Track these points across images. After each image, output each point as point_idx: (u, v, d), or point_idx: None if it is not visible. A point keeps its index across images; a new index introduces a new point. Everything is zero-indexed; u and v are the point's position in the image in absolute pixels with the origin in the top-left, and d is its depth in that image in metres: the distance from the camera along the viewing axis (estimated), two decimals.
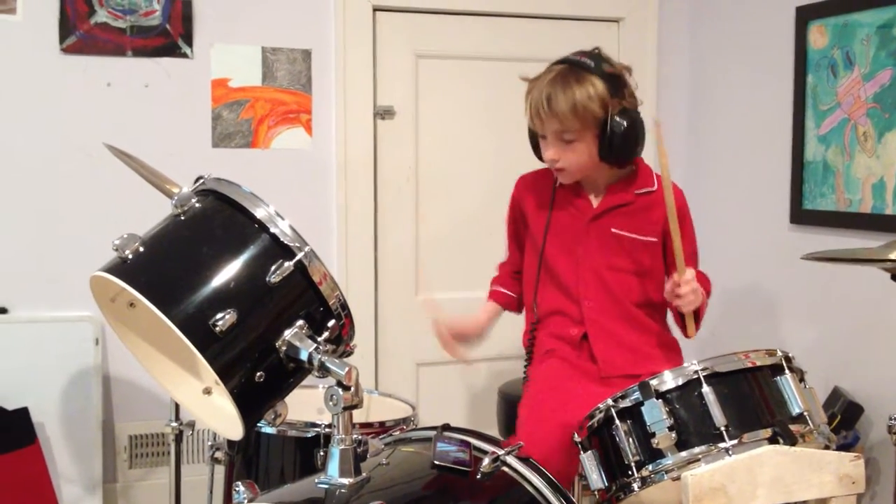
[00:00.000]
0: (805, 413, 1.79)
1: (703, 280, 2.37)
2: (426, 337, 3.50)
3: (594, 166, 2.29)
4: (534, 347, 2.41)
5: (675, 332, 2.41)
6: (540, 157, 2.40)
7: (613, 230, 2.31)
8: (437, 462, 1.60)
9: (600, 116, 2.21)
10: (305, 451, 2.16)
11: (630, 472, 1.79)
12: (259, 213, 1.54)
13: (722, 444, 1.72)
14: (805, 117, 3.14)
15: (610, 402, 1.83)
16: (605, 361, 2.29)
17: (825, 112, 3.06)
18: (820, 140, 3.09)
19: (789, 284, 3.25)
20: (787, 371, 1.82)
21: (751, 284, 3.43)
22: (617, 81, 2.25)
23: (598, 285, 2.31)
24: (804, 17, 3.12)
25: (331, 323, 1.57)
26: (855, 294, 2.94)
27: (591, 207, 2.33)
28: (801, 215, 3.17)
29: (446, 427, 1.78)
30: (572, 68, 2.25)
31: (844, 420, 2.81)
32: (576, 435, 1.90)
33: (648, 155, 2.40)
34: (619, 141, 2.23)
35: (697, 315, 2.28)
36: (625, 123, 2.22)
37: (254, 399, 1.52)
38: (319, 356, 1.49)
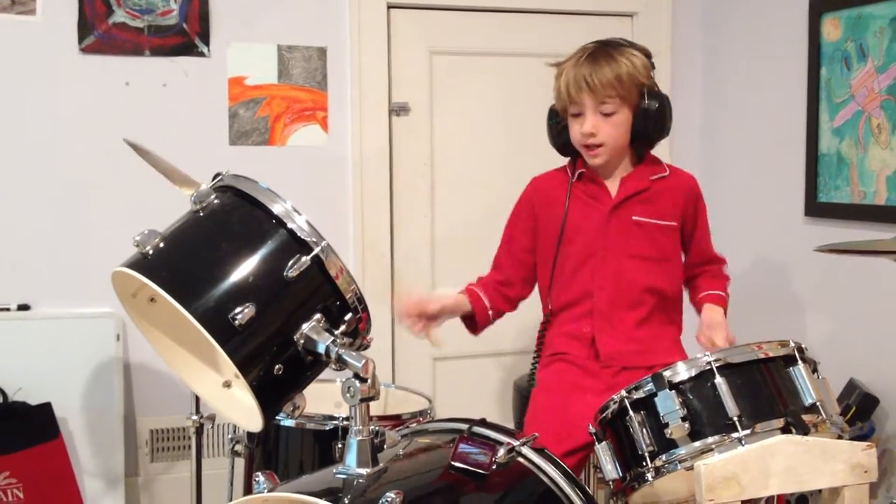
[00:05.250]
0: (818, 403, 1.79)
1: (720, 277, 2.44)
2: (443, 331, 3.53)
3: (624, 148, 2.30)
4: (543, 349, 2.42)
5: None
6: (559, 147, 2.39)
7: (634, 217, 2.31)
8: (454, 463, 1.61)
9: (640, 89, 2.24)
10: (324, 443, 2.18)
11: (644, 463, 1.80)
12: (276, 208, 1.56)
13: (735, 434, 1.73)
14: (819, 110, 3.14)
15: (623, 393, 1.84)
16: (607, 354, 2.30)
17: (839, 105, 3.06)
18: (834, 133, 3.09)
19: (804, 277, 3.26)
20: (799, 362, 1.82)
21: (766, 277, 3.43)
22: (651, 60, 2.30)
23: (614, 275, 2.31)
24: (817, 10, 3.13)
25: (348, 316, 1.59)
26: (870, 286, 2.95)
27: (610, 198, 2.33)
28: (816, 208, 3.17)
29: (476, 423, 1.78)
30: (609, 44, 2.28)
31: (860, 411, 2.82)
32: (590, 426, 1.92)
33: None
34: (655, 117, 2.25)
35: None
36: (659, 102, 2.26)
37: (273, 391, 1.55)
38: (337, 349, 1.52)
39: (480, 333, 2.49)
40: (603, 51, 2.26)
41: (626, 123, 2.26)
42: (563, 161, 2.44)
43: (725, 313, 2.36)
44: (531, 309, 2.55)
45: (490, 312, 2.43)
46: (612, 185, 2.35)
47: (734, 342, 2.21)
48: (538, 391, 2.38)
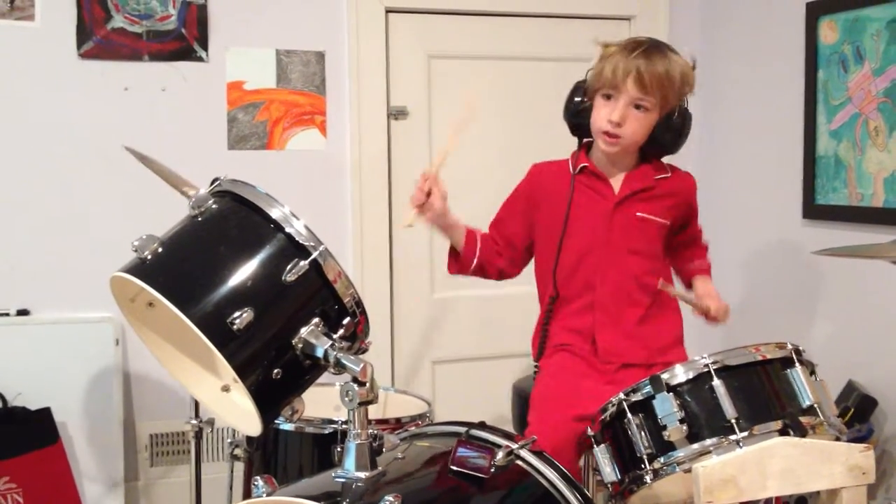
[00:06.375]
0: (815, 405, 1.80)
1: (701, 245, 2.51)
2: (442, 335, 3.54)
3: (637, 146, 2.31)
4: (546, 340, 2.42)
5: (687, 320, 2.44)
6: (573, 126, 2.38)
7: (638, 214, 2.33)
8: (453, 467, 1.61)
9: (679, 96, 2.26)
10: (323, 447, 2.19)
11: (642, 465, 1.81)
12: (274, 213, 1.57)
13: (732, 437, 1.74)
14: (816, 112, 3.15)
15: (622, 395, 1.85)
16: (606, 350, 2.31)
17: (836, 107, 3.07)
18: (831, 135, 3.10)
19: (802, 279, 3.26)
20: (797, 364, 1.83)
21: (764, 279, 3.44)
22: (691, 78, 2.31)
23: (616, 269, 2.32)
24: (815, 13, 3.13)
25: (346, 320, 1.59)
26: (867, 288, 2.95)
27: (614, 193, 2.33)
28: (814, 210, 3.18)
29: (474, 426, 1.78)
30: (665, 45, 2.29)
31: (858, 413, 2.82)
32: (589, 429, 1.93)
33: None
34: (675, 133, 2.29)
35: None
36: (685, 120, 2.30)
37: (271, 395, 1.55)
38: (335, 353, 1.52)
39: (456, 273, 2.47)
40: (659, 49, 2.26)
41: (650, 125, 2.27)
42: (563, 155, 2.44)
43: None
44: (529, 311, 2.55)
45: (476, 260, 2.41)
46: (615, 181, 2.35)
47: (727, 309, 2.29)
48: (542, 375, 2.38)
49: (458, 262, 2.44)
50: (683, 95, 2.28)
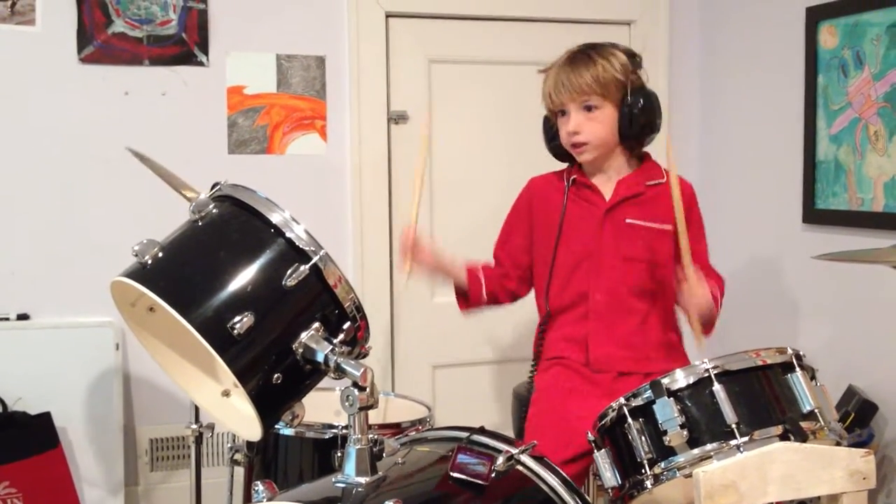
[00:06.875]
0: (816, 410, 1.79)
1: (715, 278, 2.37)
2: (442, 340, 3.54)
3: (612, 145, 2.33)
4: (542, 350, 2.42)
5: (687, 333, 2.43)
6: (554, 151, 2.43)
7: (628, 220, 2.33)
8: (452, 475, 1.61)
9: (622, 85, 2.27)
10: (323, 452, 2.19)
11: (643, 470, 1.80)
12: (275, 217, 1.57)
13: (733, 442, 1.73)
14: (816, 117, 3.15)
15: (622, 400, 1.84)
16: (597, 359, 2.31)
17: (836, 112, 3.07)
18: (831, 140, 3.10)
19: (802, 284, 3.26)
20: (797, 369, 1.83)
21: (764, 284, 3.44)
22: (636, 59, 2.33)
23: (610, 278, 2.32)
24: (814, 18, 3.13)
25: (346, 325, 1.59)
26: (868, 293, 2.95)
27: (604, 200, 2.35)
28: (814, 215, 3.18)
29: (475, 431, 1.78)
30: (591, 46, 2.33)
31: (859, 418, 2.82)
32: (589, 433, 1.92)
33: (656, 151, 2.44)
34: (640, 114, 2.28)
35: (710, 319, 2.25)
36: (645, 97, 2.28)
37: (272, 400, 1.55)
38: (335, 358, 1.52)
39: (469, 312, 2.50)
40: (583, 53, 2.31)
41: (611, 121, 2.29)
42: (562, 165, 2.46)
43: (717, 310, 2.28)
44: (529, 316, 2.55)
45: (485, 293, 2.45)
46: (607, 189, 2.36)
47: (708, 301, 2.17)
48: (537, 398, 2.38)
49: (467, 301, 2.47)
50: (625, 84, 2.28)
